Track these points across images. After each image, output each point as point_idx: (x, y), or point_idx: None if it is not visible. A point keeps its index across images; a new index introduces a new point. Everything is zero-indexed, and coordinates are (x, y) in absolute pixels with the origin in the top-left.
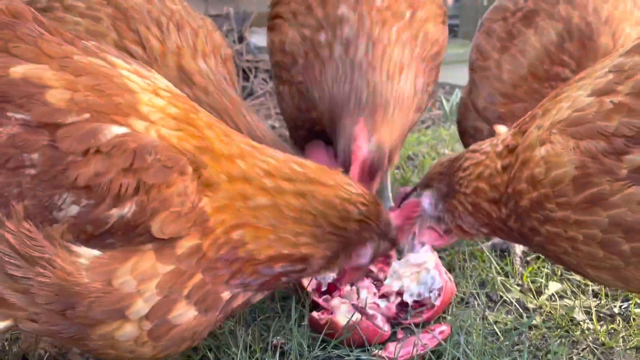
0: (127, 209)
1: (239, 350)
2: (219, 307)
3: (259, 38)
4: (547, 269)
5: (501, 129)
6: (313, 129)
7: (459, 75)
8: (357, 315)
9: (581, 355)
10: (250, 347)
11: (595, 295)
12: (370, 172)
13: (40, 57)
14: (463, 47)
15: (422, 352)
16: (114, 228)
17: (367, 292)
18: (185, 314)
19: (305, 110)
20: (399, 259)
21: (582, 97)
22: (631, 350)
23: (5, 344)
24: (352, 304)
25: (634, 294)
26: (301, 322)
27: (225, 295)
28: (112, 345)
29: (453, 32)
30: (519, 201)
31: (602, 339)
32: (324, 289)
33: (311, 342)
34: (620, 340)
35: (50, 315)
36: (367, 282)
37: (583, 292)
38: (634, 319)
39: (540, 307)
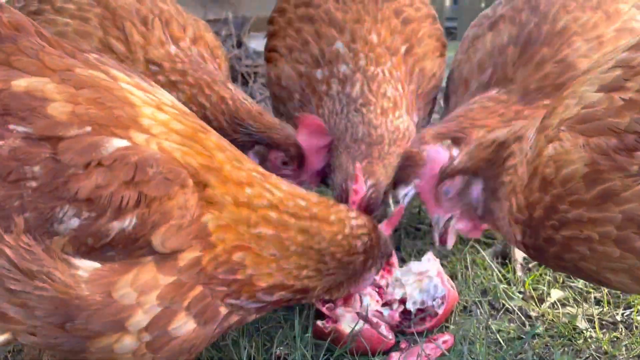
0: (128, 222)
1: None
2: (217, 321)
3: (257, 43)
4: (549, 276)
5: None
6: None
7: None
8: (361, 324)
9: None
10: (254, 358)
11: (598, 302)
12: (366, 211)
13: (42, 70)
14: None
15: None
16: (114, 241)
17: (370, 300)
18: (184, 325)
19: None
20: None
21: (589, 93)
22: (634, 358)
23: (8, 355)
24: (357, 313)
25: (637, 301)
26: (305, 332)
27: (223, 310)
28: (111, 358)
29: (452, 34)
30: (533, 213)
31: (605, 347)
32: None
33: (314, 352)
34: (623, 348)
35: (50, 328)
36: (369, 289)
37: (585, 300)
38: (636, 327)
39: (543, 315)
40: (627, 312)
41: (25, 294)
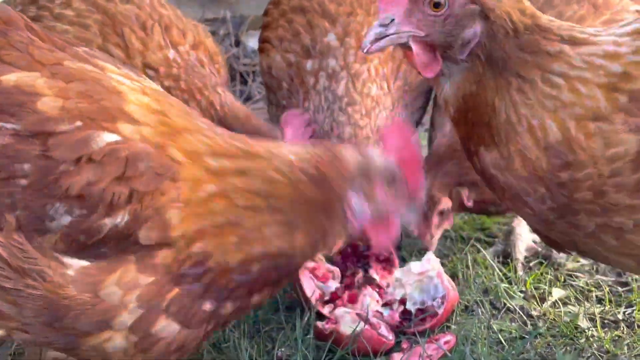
0: (120, 218)
1: None
2: (203, 320)
3: (256, 41)
4: (550, 275)
5: None
6: None
7: None
8: (362, 325)
9: None
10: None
11: (599, 301)
12: None
13: (32, 64)
14: None
15: None
16: (107, 237)
17: (369, 300)
18: (167, 327)
19: None
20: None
21: None
22: (636, 357)
23: (9, 358)
24: (357, 314)
25: (639, 299)
26: (306, 334)
27: (208, 307)
28: (104, 357)
29: None
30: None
31: (607, 346)
32: (326, 298)
33: (316, 354)
34: (625, 347)
35: (40, 327)
36: (369, 289)
37: (587, 299)
38: (638, 326)
39: (544, 315)
40: (629, 310)
41: (16, 292)
